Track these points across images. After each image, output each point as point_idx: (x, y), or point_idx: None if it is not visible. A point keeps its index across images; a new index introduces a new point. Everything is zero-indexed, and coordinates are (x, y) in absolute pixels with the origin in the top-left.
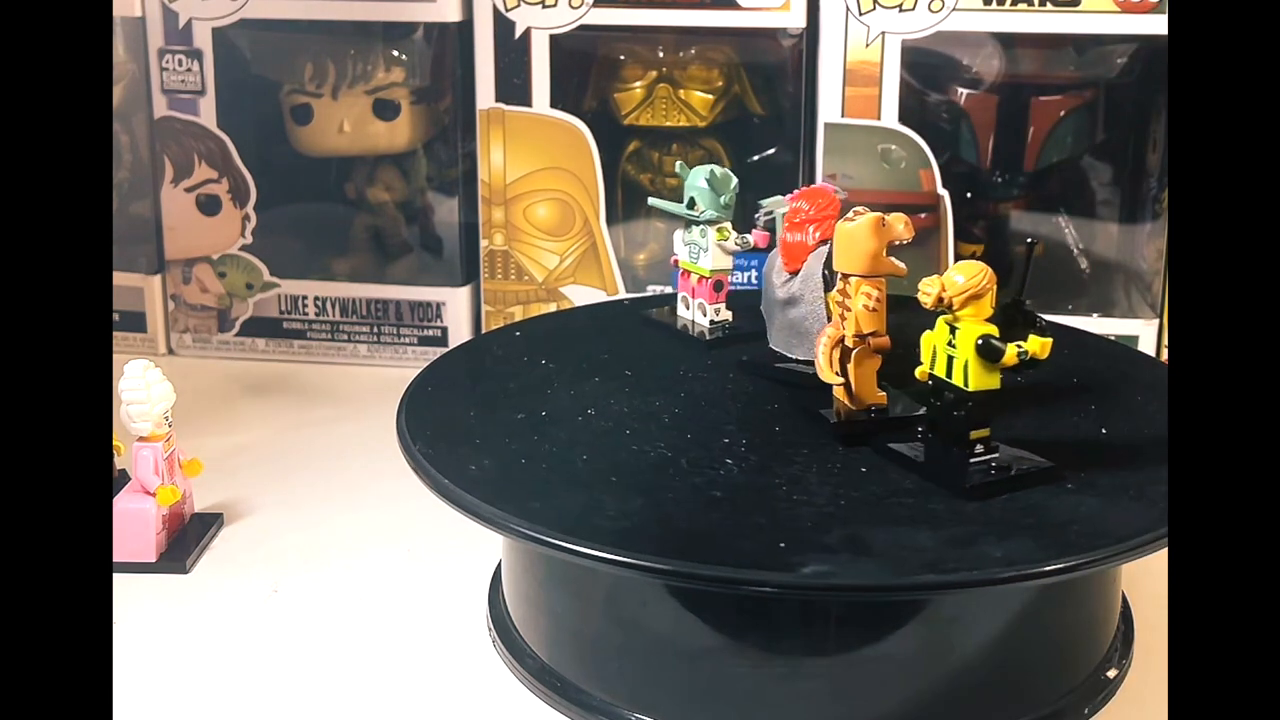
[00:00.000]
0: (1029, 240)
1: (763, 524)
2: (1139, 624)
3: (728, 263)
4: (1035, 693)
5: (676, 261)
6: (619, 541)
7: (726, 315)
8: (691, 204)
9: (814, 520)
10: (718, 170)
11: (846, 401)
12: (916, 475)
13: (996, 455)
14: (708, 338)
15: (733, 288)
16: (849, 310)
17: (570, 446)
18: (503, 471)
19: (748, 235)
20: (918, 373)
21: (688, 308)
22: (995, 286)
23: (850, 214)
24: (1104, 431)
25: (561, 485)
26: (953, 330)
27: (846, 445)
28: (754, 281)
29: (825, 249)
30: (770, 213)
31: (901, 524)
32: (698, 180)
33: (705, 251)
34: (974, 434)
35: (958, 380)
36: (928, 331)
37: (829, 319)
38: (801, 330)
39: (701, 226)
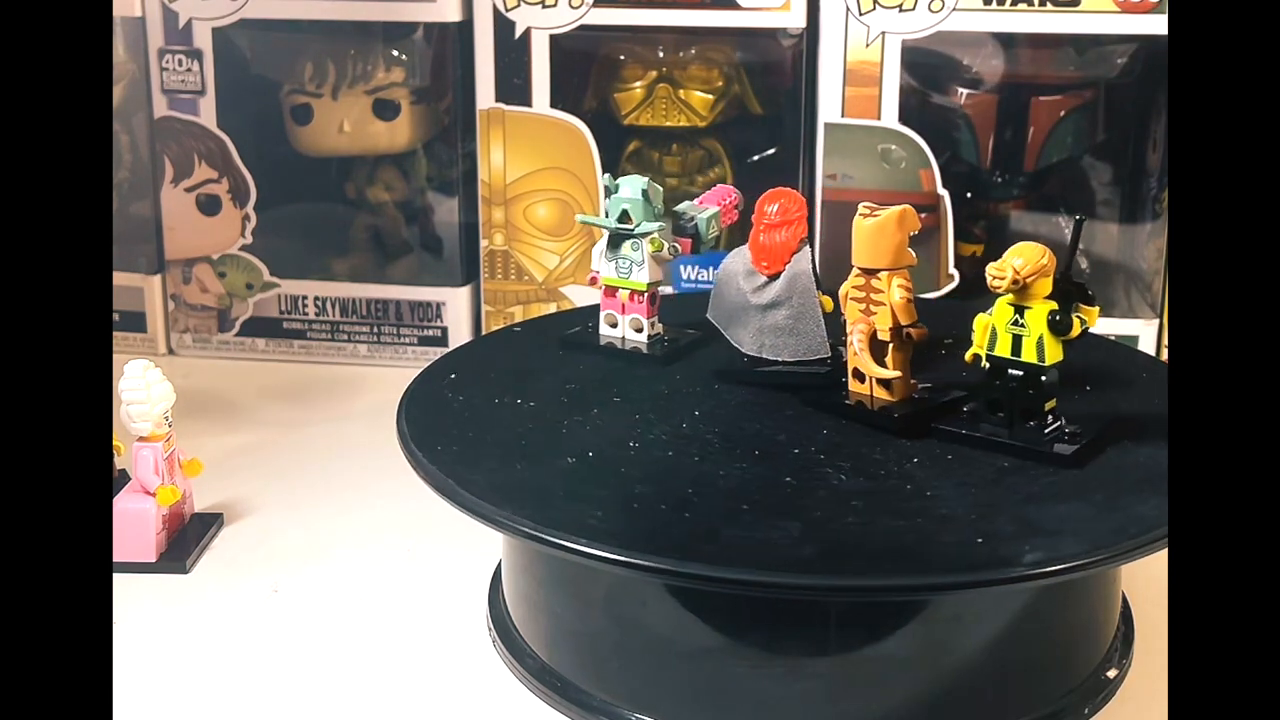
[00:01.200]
0: (1078, 217)
1: (958, 528)
2: (1139, 624)
3: (663, 274)
4: (1035, 693)
5: (596, 280)
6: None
7: (659, 328)
8: (624, 217)
9: (978, 512)
10: (646, 181)
11: (885, 394)
12: (1011, 455)
13: (1061, 423)
14: (649, 352)
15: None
16: (877, 305)
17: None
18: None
19: (674, 244)
20: (968, 355)
21: (614, 325)
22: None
23: (864, 210)
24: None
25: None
26: (1019, 310)
27: (909, 437)
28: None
29: (806, 248)
30: (692, 219)
31: (1054, 501)
32: (633, 192)
33: (640, 265)
34: (1047, 405)
35: (1029, 357)
36: (981, 315)
37: (832, 317)
38: (790, 331)
39: (635, 240)
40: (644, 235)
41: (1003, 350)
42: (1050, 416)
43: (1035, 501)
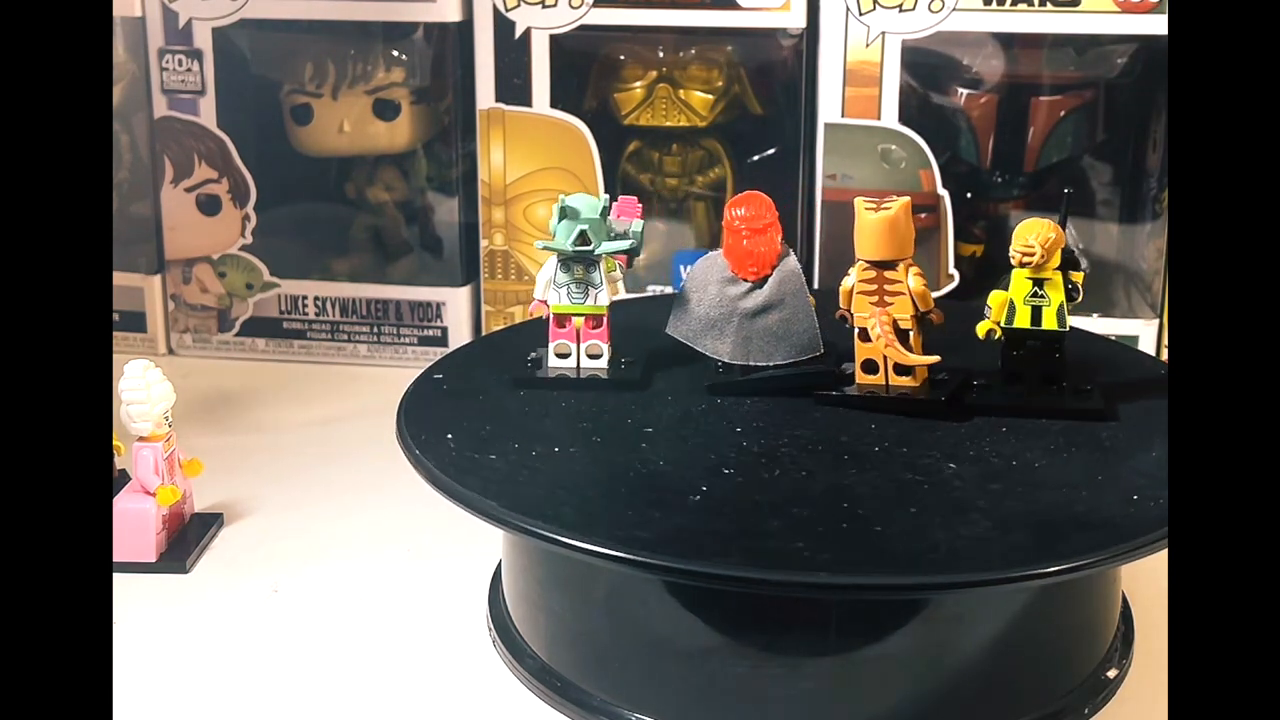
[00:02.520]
0: (1067, 190)
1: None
2: (1139, 624)
3: (620, 292)
4: (1035, 693)
5: (543, 309)
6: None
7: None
8: (582, 238)
9: (1099, 478)
10: (604, 198)
11: (903, 381)
12: (1056, 418)
13: (1065, 383)
14: (614, 376)
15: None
16: (893, 295)
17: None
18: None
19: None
20: (983, 331)
21: (566, 355)
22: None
23: (868, 204)
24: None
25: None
26: (1038, 283)
27: (959, 419)
28: None
29: (789, 249)
30: (624, 233)
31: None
32: (591, 212)
33: (599, 287)
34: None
35: (1050, 324)
36: (997, 291)
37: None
38: (783, 333)
39: (592, 262)
40: (610, 254)
41: (1022, 322)
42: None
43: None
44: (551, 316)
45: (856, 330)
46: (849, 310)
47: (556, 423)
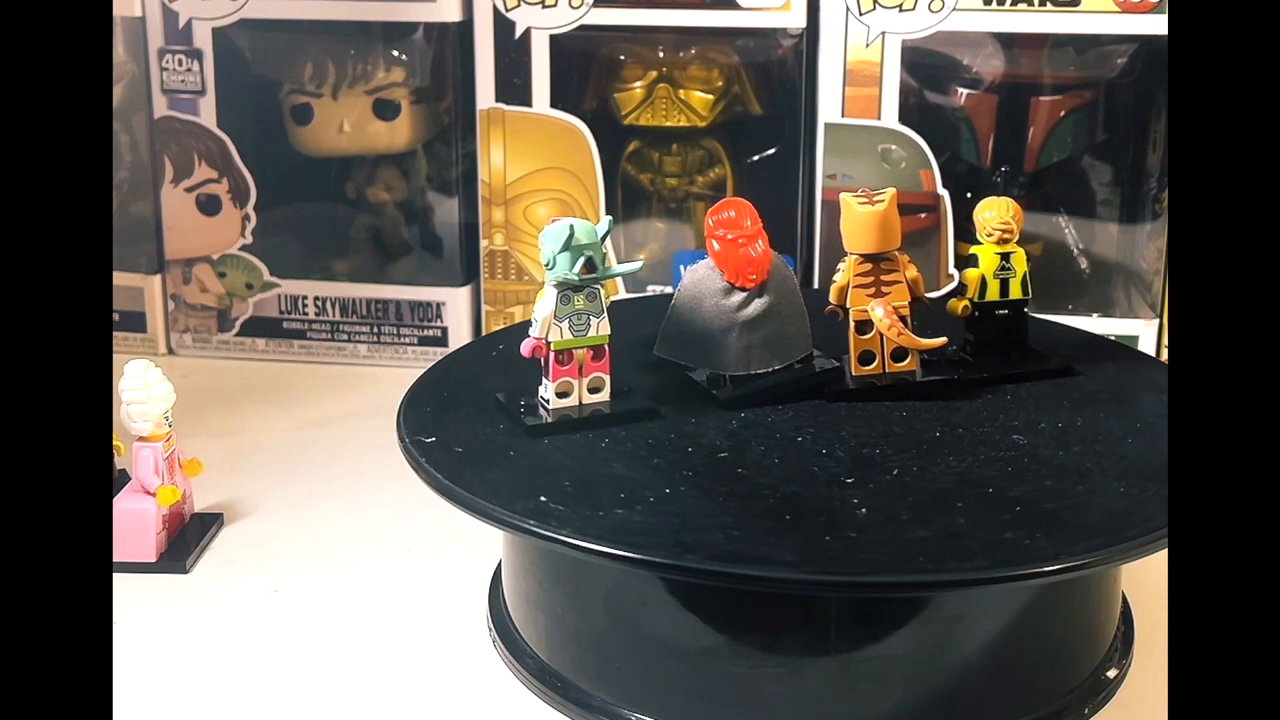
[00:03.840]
0: (1004, 168)
1: None
2: (1139, 624)
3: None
4: (1035, 693)
5: (542, 348)
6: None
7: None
8: (588, 265)
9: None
10: (607, 220)
11: (899, 367)
12: (1038, 379)
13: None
14: (618, 410)
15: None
16: (890, 285)
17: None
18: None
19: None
20: (959, 307)
21: (567, 394)
22: None
23: (859, 198)
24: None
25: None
26: (1004, 257)
27: (972, 395)
28: None
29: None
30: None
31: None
32: (593, 237)
33: (600, 315)
34: None
35: (1017, 294)
36: (971, 269)
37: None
38: (782, 338)
39: (593, 289)
40: (612, 277)
41: (992, 295)
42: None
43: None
44: (552, 355)
45: (853, 324)
46: (843, 305)
47: (619, 465)
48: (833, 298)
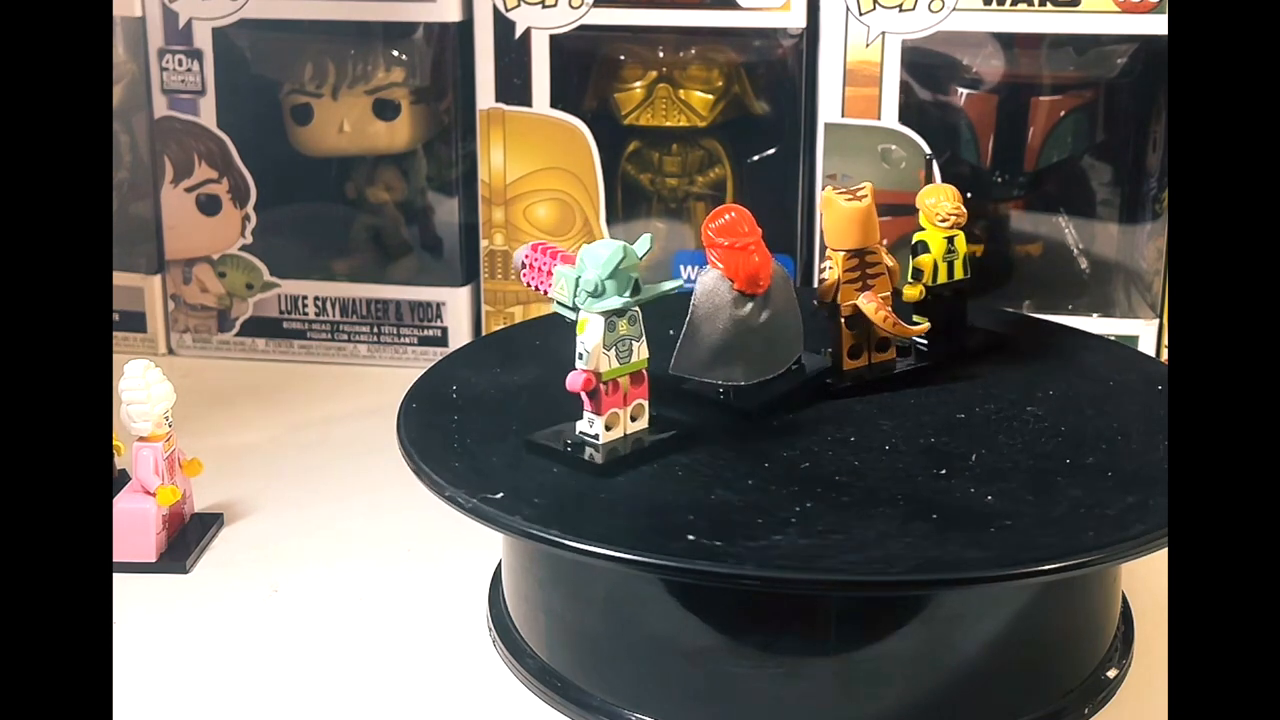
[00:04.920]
0: (929, 155)
1: None
2: (1139, 624)
3: None
4: (1035, 693)
5: (592, 381)
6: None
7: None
8: (636, 288)
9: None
10: (647, 237)
11: (884, 356)
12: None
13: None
14: (655, 437)
15: None
16: (873, 278)
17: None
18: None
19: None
20: (916, 293)
21: (614, 426)
22: None
23: (843, 195)
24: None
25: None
26: (950, 240)
27: (954, 381)
28: None
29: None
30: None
31: None
32: (633, 258)
33: (640, 338)
34: None
35: (960, 274)
36: (924, 255)
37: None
38: (782, 340)
39: (632, 312)
40: (658, 298)
41: (942, 278)
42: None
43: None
44: (600, 386)
45: (844, 319)
46: (833, 301)
47: (721, 491)
48: (824, 295)
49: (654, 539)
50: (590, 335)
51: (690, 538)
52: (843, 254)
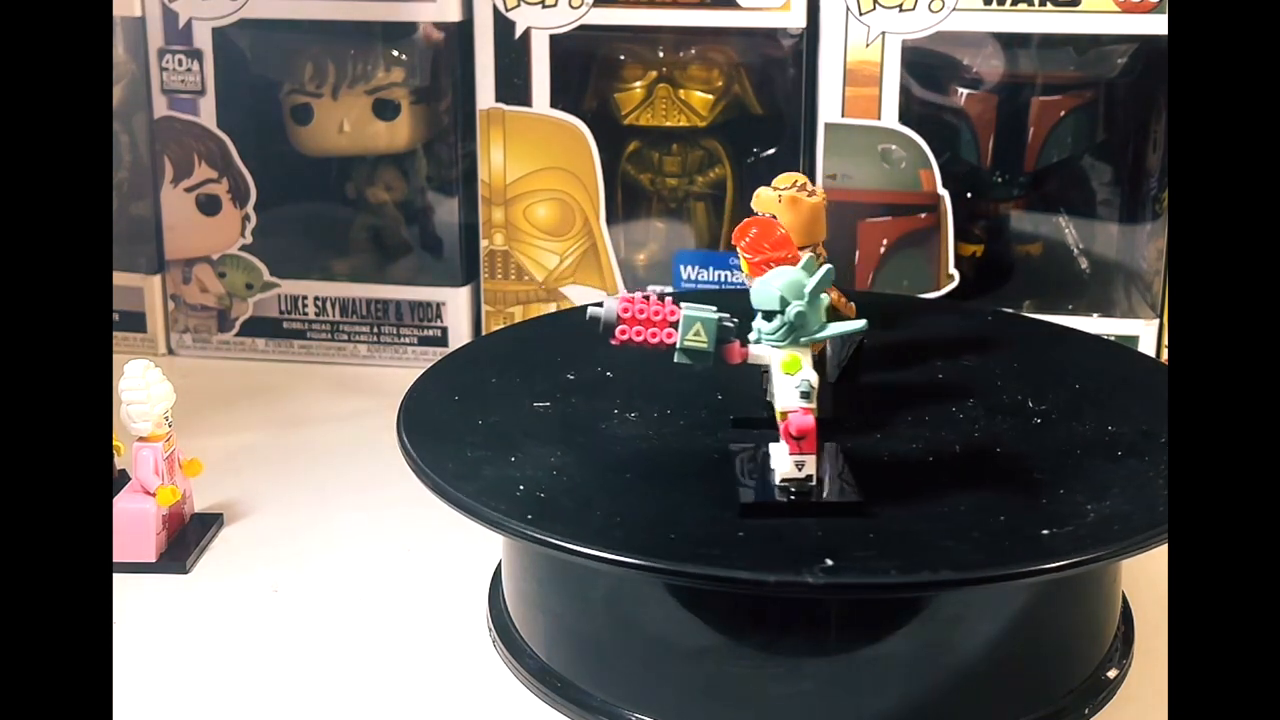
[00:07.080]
0: (755, 150)
1: None
2: (1139, 624)
3: None
4: (1035, 693)
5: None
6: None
7: None
8: (831, 314)
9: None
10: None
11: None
12: None
13: None
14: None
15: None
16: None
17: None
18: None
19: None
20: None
21: (802, 467)
22: None
23: (800, 192)
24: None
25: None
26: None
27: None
28: None
29: None
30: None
31: None
32: (827, 282)
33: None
34: None
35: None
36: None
37: None
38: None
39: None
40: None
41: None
42: None
43: None
44: (811, 424)
45: None
46: None
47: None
48: None
49: (429, 432)
50: (805, 372)
51: (448, 438)
52: (809, 252)
